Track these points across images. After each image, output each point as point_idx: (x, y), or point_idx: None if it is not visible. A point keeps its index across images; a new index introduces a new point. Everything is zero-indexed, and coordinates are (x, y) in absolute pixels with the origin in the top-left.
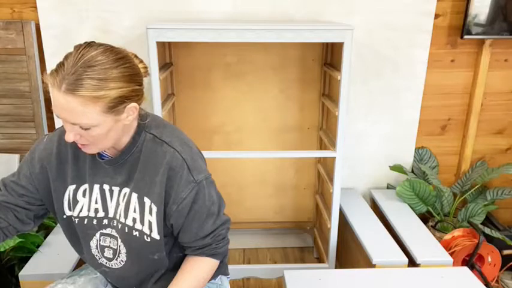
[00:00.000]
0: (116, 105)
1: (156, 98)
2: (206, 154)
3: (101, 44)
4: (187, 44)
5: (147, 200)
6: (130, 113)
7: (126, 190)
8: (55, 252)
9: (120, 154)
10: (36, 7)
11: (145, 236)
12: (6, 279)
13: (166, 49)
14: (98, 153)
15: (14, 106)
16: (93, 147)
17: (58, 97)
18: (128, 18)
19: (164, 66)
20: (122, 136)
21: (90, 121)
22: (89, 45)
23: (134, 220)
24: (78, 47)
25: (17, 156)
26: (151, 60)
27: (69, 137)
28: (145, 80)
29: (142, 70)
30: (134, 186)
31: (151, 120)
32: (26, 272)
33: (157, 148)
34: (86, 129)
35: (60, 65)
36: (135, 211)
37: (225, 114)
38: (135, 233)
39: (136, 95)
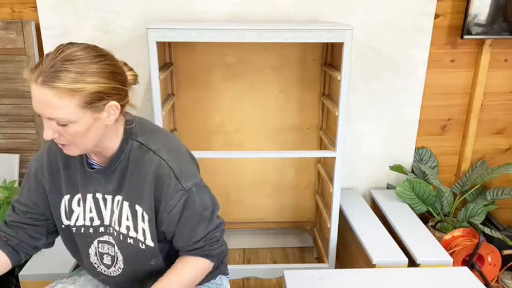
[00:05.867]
0: (93, 101)
1: (156, 98)
2: (206, 154)
3: (83, 43)
4: (187, 44)
5: (138, 208)
6: (111, 112)
7: (118, 198)
8: (55, 252)
9: (109, 163)
10: (36, 7)
11: (140, 243)
12: (6, 279)
13: (166, 49)
14: (88, 163)
15: (14, 106)
16: (73, 147)
17: (35, 90)
18: (128, 18)
19: (164, 66)
20: (107, 140)
21: (66, 115)
22: (71, 43)
23: (128, 228)
24: (59, 45)
25: (17, 156)
26: (151, 60)
27: (48, 134)
28: (144, 80)
29: (131, 77)
30: (125, 194)
31: (138, 126)
32: (26, 272)
33: (144, 156)
34: (63, 125)
35: (40, 61)
36: (128, 219)
37: (225, 114)
38: (130, 241)
39: (117, 94)
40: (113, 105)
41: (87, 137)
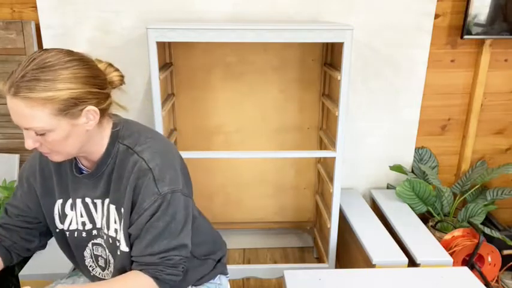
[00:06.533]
0: (68, 108)
1: (156, 98)
2: (206, 154)
3: (56, 49)
4: (187, 44)
5: (123, 211)
6: (90, 117)
7: (106, 202)
8: (55, 252)
9: (96, 167)
10: (36, 7)
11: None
12: (6, 279)
13: (166, 49)
14: (77, 168)
15: None
16: (55, 154)
17: (8, 102)
18: (128, 18)
19: (164, 66)
20: (91, 144)
21: (41, 124)
22: (45, 50)
23: (116, 231)
24: (32, 53)
25: (17, 156)
26: (151, 60)
27: (29, 144)
28: (144, 80)
29: (117, 78)
30: (111, 197)
31: (125, 128)
32: (26, 272)
33: (129, 159)
34: (41, 134)
35: (12, 71)
36: (115, 222)
37: (225, 114)
38: (118, 244)
39: (94, 98)
40: (91, 110)
41: (68, 144)
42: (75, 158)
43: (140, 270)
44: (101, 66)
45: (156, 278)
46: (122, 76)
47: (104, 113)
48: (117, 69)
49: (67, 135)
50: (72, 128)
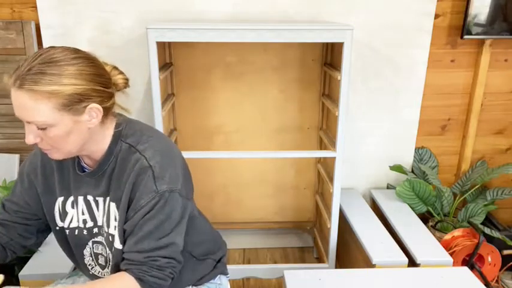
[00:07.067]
0: (71, 104)
1: (156, 98)
2: (206, 154)
3: (63, 46)
4: (187, 44)
5: (120, 207)
6: (93, 115)
7: (108, 199)
8: (55, 252)
9: (98, 165)
10: (36, 7)
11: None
12: (6, 279)
13: (166, 49)
14: (79, 166)
15: None
16: (55, 152)
17: (13, 95)
18: (127, 18)
19: (164, 66)
20: (92, 143)
21: (43, 118)
22: (52, 47)
23: (116, 229)
24: (39, 50)
25: (17, 156)
26: (151, 60)
27: (29, 139)
28: (144, 80)
29: (121, 81)
30: (112, 195)
31: (128, 127)
32: (26, 272)
33: (131, 157)
34: (42, 129)
35: (19, 65)
36: (115, 220)
37: (225, 114)
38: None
39: (98, 96)
40: (94, 107)
41: (69, 141)
42: (77, 156)
43: (126, 270)
44: (106, 68)
45: (139, 280)
46: (127, 79)
47: (107, 112)
48: (121, 72)
49: (69, 132)
50: (74, 124)
